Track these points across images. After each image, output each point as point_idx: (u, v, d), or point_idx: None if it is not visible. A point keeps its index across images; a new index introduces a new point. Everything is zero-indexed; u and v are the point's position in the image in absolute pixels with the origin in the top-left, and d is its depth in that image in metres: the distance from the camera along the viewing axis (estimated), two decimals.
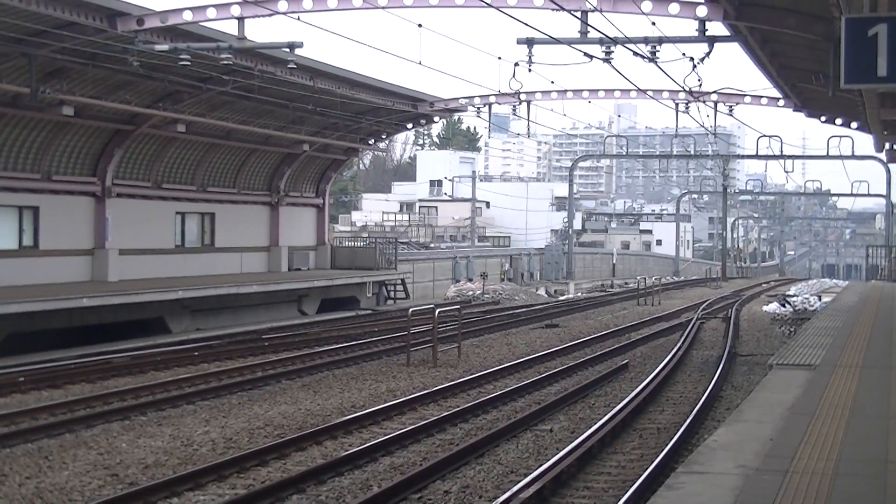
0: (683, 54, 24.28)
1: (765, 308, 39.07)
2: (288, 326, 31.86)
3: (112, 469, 13.22)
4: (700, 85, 25.61)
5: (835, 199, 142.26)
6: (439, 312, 24.63)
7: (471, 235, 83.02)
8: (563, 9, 20.77)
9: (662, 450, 13.39)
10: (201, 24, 24.84)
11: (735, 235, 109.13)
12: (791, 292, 46.56)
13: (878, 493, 7.73)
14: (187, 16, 23.81)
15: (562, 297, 50.82)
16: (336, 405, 18.01)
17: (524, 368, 22.75)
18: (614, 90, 37.26)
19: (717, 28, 22.73)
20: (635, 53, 23.38)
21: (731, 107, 36.40)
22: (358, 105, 36.79)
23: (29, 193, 29.79)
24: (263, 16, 23.37)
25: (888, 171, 64.69)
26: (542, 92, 36.83)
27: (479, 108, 38.48)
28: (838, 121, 34.79)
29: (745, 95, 36.22)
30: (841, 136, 52.26)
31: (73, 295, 26.44)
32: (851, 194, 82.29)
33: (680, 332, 29.70)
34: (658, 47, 23.50)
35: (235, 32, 24.21)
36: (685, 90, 28.52)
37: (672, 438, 14.12)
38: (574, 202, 74.58)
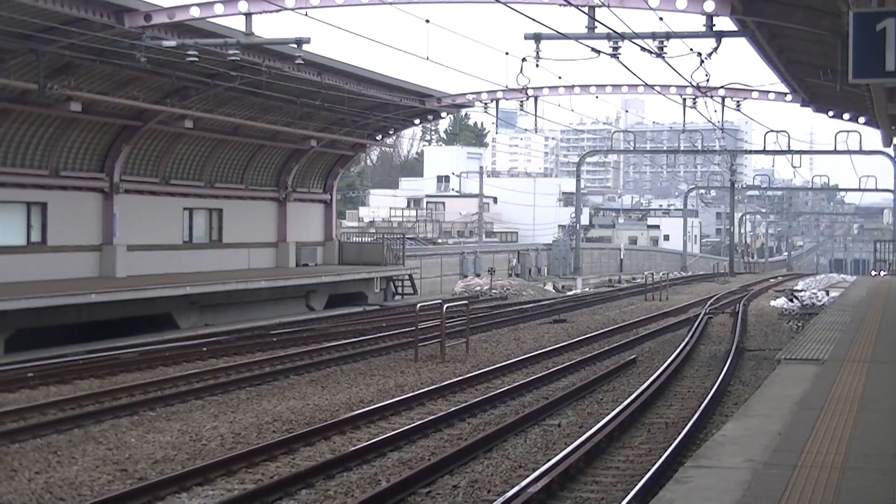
0: (691, 49, 24.23)
1: (772, 303, 39.01)
2: (296, 322, 31.86)
3: (121, 464, 13.26)
4: (707, 80, 25.58)
5: (842, 194, 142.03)
6: (447, 308, 24.64)
7: (478, 231, 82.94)
8: (571, 3, 20.76)
9: (671, 444, 13.39)
10: (209, 20, 24.91)
11: (742, 231, 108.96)
12: (799, 287, 46.50)
13: (887, 486, 7.74)
14: (195, 12, 23.85)
15: (569, 293, 50.79)
16: (344, 400, 18.04)
17: (532, 363, 22.76)
18: (622, 85, 37.18)
19: (724, 23, 22.73)
20: (643, 49, 23.36)
21: (738, 102, 36.38)
22: (365, 101, 36.79)
23: (37, 189, 29.85)
24: (271, 11, 23.34)
25: None
26: (549, 87, 36.79)
27: (486, 104, 38.43)
28: (846, 116, 34.69)
29: (753, 91, 36.15)
30: (848, 132, 52.02)
31: (81, 291, 26.50)
32: (859, 189, 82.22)
33: (687, 328, 29.67)
34: (665, 42, 23.47)
35: (243, 28, 24.23)
36: (693, 85, 28.47)
37: (680, 433, 14.12)
38: (581, 197, 74.50)
